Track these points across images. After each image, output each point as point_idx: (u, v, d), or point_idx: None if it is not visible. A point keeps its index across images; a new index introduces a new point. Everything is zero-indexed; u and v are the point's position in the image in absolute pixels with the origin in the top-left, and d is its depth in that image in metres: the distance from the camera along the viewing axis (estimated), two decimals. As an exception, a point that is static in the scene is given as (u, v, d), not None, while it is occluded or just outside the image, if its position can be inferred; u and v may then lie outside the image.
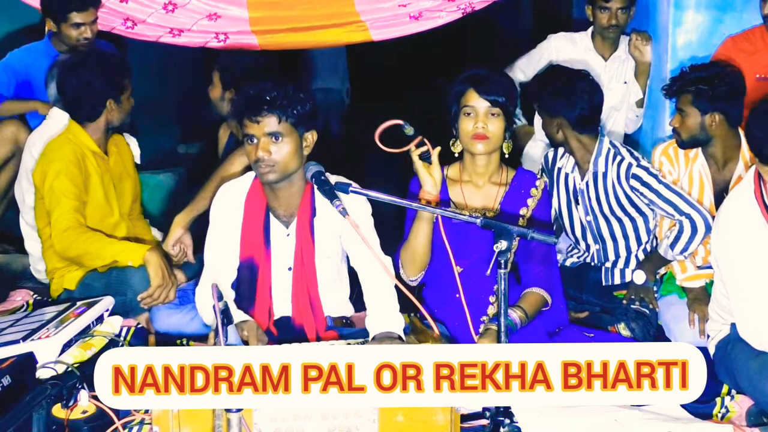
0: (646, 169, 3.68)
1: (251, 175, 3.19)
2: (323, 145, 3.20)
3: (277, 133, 2.97)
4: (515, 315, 3.05)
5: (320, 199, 3.06)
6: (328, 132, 6.07)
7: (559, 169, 3.85)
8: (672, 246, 3.63)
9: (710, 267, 3.49)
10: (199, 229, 3.56)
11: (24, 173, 3.91)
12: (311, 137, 3.08)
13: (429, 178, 3.00)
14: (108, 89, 3.65)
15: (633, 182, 3.68)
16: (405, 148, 3.00)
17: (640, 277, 3.77)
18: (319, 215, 3.14)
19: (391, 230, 3.32)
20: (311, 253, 3.14)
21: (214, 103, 4.08)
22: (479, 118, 3.11)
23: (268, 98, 2.96)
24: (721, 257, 3.14)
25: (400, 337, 2.96)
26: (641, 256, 3.85)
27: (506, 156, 3.23)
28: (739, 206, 3.09)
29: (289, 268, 3.16)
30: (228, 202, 3.18)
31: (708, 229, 3.53)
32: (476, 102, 3.12)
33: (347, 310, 3.32)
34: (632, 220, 3.81)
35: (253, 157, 3.00)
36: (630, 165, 3.68)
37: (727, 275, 3.12)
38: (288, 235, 3.15)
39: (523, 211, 3.24)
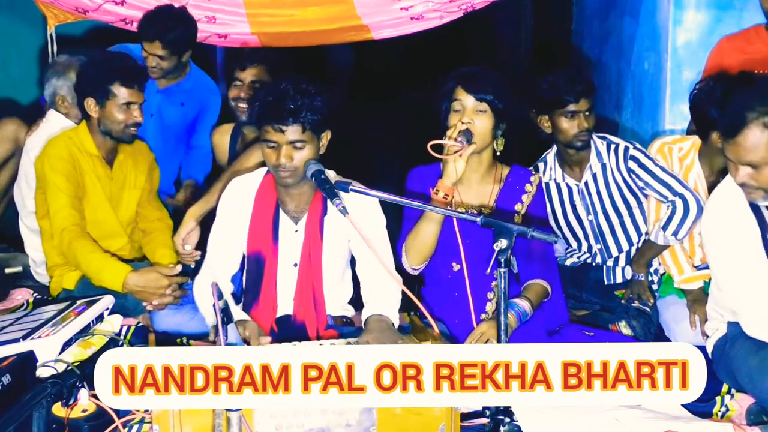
0: (642, 151, 3.75)
1: (263, 170, 3.21)
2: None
3: (301, 141, 2.99)
4: (523, 304, 3.08)
5: None
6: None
7: (548, 182, 3.86)
8: (664, 227, 3.64)
9: (708, 267, 3.49)
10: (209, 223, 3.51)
11: (23, 177, 3.90)
12: (326, 137, 3.11)
13: (455, 172, 3.02)
14: (83, 88, 3.62)
15: (631, 164, 3.73)
16: (448, 143, 3.01)
17: (626, 273, 3.83)
18: (330, 214, 3.15)
19: (391, 228, 3.32)
20: (318, 250, 3.15)
21: (236, 104, 4.03)
22: (466, 114, 3.12)
23: (292, 107, 2.95)
24: (708, 247, 3.15)
25: (397, 328, 2.96)
26: None
27: (498, 154, 3.24)
28: (726, 194, 3.09)
29: (295, 264, 3.16)
30: (238, 195, 3.19)
31: (700, 209, 3.56)
32: (464, 98, 3.14)
33: (347, 311, 3.32)
34: (629, 209, 3.83)
35: (274, 161, 3.01)
36: (627, 148, 3.75)
37: (714, 264, 3.13)
38: (296, 231, 3.16)
39: (518, 207, 3.25)
